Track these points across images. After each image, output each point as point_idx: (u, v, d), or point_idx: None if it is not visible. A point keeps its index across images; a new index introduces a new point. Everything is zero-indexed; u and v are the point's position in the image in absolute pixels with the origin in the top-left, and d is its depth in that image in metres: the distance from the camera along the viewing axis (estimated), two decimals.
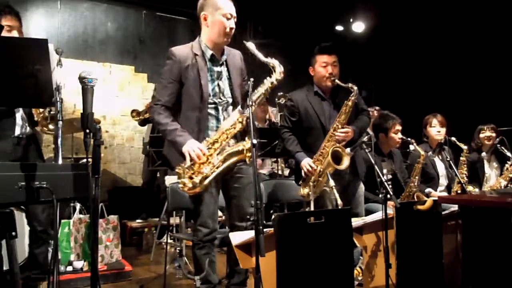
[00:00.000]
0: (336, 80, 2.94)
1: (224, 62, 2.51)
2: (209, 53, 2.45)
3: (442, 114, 3.95)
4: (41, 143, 3.01)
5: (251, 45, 2.33)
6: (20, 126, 2.76)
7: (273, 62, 2.35)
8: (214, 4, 2.41)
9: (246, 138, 2.29)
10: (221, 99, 2.46)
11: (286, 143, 3.06)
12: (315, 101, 3.03)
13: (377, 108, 5.08)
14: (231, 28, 2.41)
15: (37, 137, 2.93)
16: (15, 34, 2.66)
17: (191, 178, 2.31)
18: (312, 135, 3.01)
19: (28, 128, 2.81)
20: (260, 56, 2.32)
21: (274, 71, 2.34)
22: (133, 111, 5.15)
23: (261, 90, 2.33)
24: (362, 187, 3.17)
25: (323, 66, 2.99)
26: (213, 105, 2.44)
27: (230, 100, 2.51)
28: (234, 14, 2.43)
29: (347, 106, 2.86)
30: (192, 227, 2.52)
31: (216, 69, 2.47)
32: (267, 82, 2.34)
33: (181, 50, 2.44)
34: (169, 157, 2.46)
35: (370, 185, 3.23)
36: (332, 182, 2.72)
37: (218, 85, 2.46)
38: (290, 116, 3.07)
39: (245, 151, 2.27)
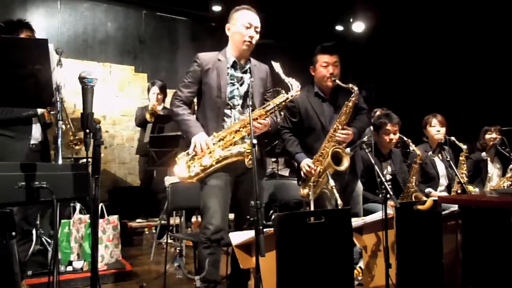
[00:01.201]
0: (337, 81, 2.93)
1: (248, 70, 2.61)
2: (231, 59, 2.57)
3: (442, 114, 3.95)
4: (50, 148, 3.05)
5: (276, 65, 2.53)
6: (35, 131, 2.84)
7: (292, 81, 2.52)
8: (236, 15, 2.57)
9: (248, 141, 2.36)
10: (239, 102, 2.55)
11: (286, 144, 3.06)
12: (316, 102, 3.02)
13: (384, 109, 5.07)
14: (250, 36, 2.51)
15: (48, 143, 2.99)
16: None
17: (190, 167, 2.39)
18: (313, 136, 3.00)
19: (41, 133, 2.88)
20: (282, 75, 2.53)
21: (292, 88, 2.50)
22: (149, 112, 5.13)
23: (276, 101, 2.49)
24: (360, 186, 3.16)
25: (324, 66, 2.98)
26: (230, 107, 2.53)
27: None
28: (255, 24, 2.54)
29: (348, 107, 2.85)
30: (201, 225, 2.53)
31: (237, 74, 2.57)
32: (283, 97, 2.50)
33: (206, 55, 2.60)
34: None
35: (370, 185, 3.23)
36: (332, 182, 2.71)
37: (238, 89, 2.55)
38: (291, 116, 3.06)
39: (245, 153, 2.34)
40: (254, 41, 2.52)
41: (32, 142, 2.81)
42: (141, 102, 5.83)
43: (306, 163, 2.87)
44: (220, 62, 2.55)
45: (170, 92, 6.20)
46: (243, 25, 2.51)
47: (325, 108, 3.02)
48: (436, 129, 3.85)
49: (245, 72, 2.60)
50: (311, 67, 3.08)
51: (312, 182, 2.83)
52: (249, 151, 2.31)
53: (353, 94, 2.85)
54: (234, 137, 2.42)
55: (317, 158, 2.87)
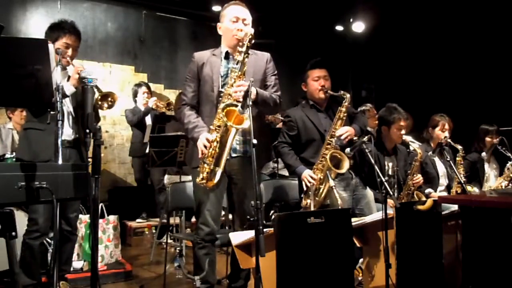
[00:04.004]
0: (329, 91, 3.06)
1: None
2: (224, 50, 2.56)
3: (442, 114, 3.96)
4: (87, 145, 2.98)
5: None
6: (67, 128, 2.79)
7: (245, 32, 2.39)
8: (223, 13, 2.58)
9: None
10: None
11: (285, 158, 3.09)
12: (312, 114, 3.12)
13: (370, 105, 5.11)
14: (238, 30, 2.46)
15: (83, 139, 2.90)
16: (69, 51, 2.80)
17: (205, 171, 2.34)
18: (313, 147, 3.05)
19: (73, 129, 2.83)
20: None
21: (244, 40, 2.35)
22: (167, 102, 5.15)
23: (237, 57, 2.37)
24: (370, 193, 3.21)
25: (316, 80, 3.11)
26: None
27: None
28: (242, 16, 2.50)
29: (341, 112, 2.95)
30: (195, 226, 2.53)
31: (231, 65, 2.51)
32: (240, 52, 2.35)
33: (201, 53, 2.61)
34: (193, 155, 2.50)
35: (372, 182, 3.23)
36: (332, 182, 2.73)
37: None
38: (288, 131, 3.12)
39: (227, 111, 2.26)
40: (243, 34, 2.42)
41: (62, 138, 2.77)
42: (141, 102, 5.81)
43: (307, 174, 2.90)
44: (214, 56, 2.55)
45: (170, 92, 6.24)
46: (230, 20, 2.50)
47: (322, 118, 3.11)
48: (445, 134, 3.84)
49: (238, 63, 2.51)
50: (303, 84, 3.20)
51: (314, 190, 2.86)
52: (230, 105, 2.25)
53: (345, 100, 2.95)
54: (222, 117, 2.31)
55: (317, 166, 2.92)
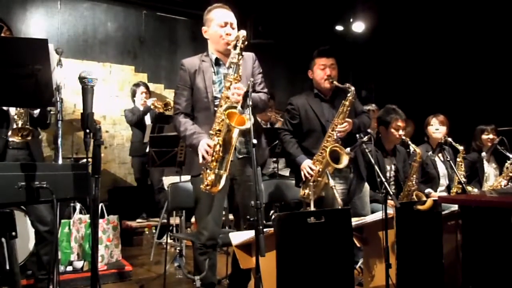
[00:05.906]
0: (334, 82, 2.98)
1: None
2: (213, 57, 2.54)
3: (442, 114, 3.95)
4: (36, 148, 2.93)
5: None
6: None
7: (237, 34, 2.37)
8: (209, 17, 2.53)
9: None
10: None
11: (286, 146, 3.06)
12: (315, 103, 3.06)
13: (375, 106, 5.09)
14: (227, 34, 2.46)
15: (31, 142, 2.86)
16: None
17: (209, 176, 2.30)
18: (313, 137, 3.02)
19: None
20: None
21: (237, 42, 2.34)
22: (164, 103, 5.15)
23: (234, 62, 2.35)
24: (367, 187, 3.18)
25: (322, 69, 3.04)
26: (218, 105, 2.44)
27: None
28: (229, 21, 2.49)
29: (345, 106, 2.89)
30: (196, 230, 2.52)
31: (223, 71, 2.52)
32: (234, 54, 2.33)
33: (190, 60, 2.57)
34: (192, 163, 2.49)
35: (372, 183, 3.23)
36: (332, 182, 2.72)
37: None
38: (291, 119, 3.09)
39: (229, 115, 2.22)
40: (232, 38, 2.41)
41: (11, 139, 2.73)
42: (141, 102, 5.82)
43: (307, 164, 2.89)
44: (204, 62, 2.52)
45: (169, 92, 6.23)
46: (218, 24, 2.47)
47: (325, 109, 3.05)
48: (435, 128, 3.86)
49: (229, 67, 2.49)
50: (309, 71, 3.13)
51: (312, 182, 2.85)
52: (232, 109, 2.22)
53: (349, 93, 2.89)
54: (223, 120, 2.28)
55: (316, 158, 2.90)
